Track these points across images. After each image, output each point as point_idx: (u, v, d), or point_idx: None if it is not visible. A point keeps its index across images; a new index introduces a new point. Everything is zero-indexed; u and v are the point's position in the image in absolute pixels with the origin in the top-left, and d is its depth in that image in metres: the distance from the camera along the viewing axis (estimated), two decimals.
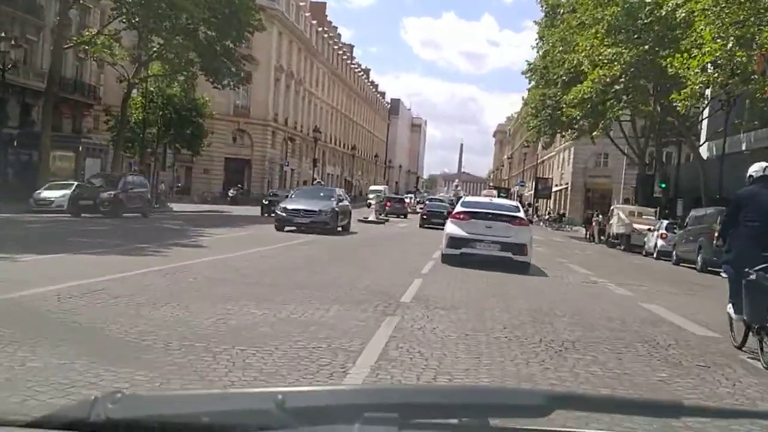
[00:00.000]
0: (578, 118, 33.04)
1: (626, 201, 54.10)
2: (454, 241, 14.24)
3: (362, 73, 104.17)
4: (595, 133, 34.27)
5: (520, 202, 67.14)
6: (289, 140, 58.07)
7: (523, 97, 42.96)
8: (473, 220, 14.31)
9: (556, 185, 60.70)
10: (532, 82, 41.75)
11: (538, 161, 61.41)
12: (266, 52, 57.48)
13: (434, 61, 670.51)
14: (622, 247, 30.14)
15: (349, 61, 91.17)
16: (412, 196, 72.54)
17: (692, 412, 1.39)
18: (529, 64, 40.46)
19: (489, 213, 14.59)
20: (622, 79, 28.87)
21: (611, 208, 34.53)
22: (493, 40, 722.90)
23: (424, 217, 35.05)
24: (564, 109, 33.79)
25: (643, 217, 31.74)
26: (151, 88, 40.83)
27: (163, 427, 1.08)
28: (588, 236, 37.95)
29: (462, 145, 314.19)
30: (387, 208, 46.61)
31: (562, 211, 55.37)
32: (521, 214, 15.53)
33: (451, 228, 14.52)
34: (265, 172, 56.85)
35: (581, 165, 56.34)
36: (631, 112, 32.49)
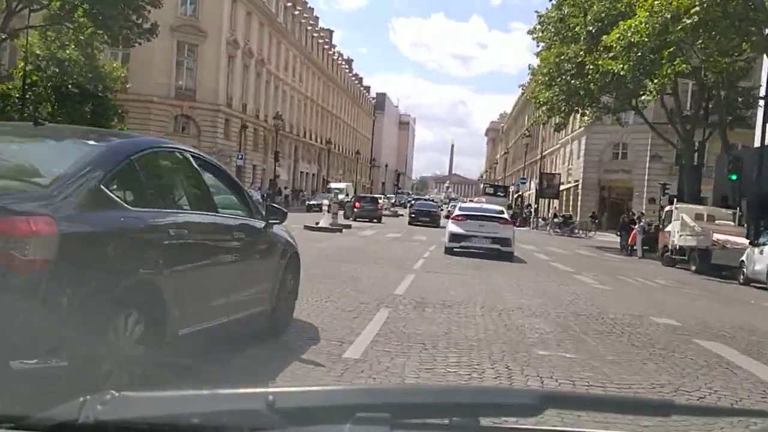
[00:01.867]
0: (621, 72, 21.89)
1: (651, 201, 43.30)
2: (454, 237, 17.62)
3: (344, 63, 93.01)
4: (644, 97, 23.19)
5: (521, 201, 56.20)
6: (244, 128, 46.82)
7: (529, 66, 31.93)
8: (469, 220, 17.91)
9: (562, 183, 49.72)
10: (541, 45, 30.70)
11: (543, 154, 50.27)
12: (216, 23, 46.47)
13: (424, 62, 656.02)
14: (693, 268, 19.17)
15: (328, 48, 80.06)
16: (392, 196, 61.03)
17: (683, 411, 1.31)
18: (540, 17, 29.47)
19: (481, 215, 18.49)
20: (697, 8, 17.91)
21: (667, 209, 23.45)
22: (482, 41, 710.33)
23: (412, 215, 36.18)
24: (600, 63, 22.82)
25: (717, 222, 20.84)
26: (38, 51, 29.81)
27: (152, 428, 1.05)
28: (627, 248, 26.78)
29: (453, 146, 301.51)
30: (356, 209, 35.70)
31: (567, 213, 44.28)
32: (506, 216, 19.39)
33: (452, 227, 18.07)
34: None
35: (594, 157, 45.47)
36: (700, 64, 21.34)
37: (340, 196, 29.10)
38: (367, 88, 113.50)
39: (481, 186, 55.15)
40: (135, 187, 3.89)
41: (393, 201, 60.12)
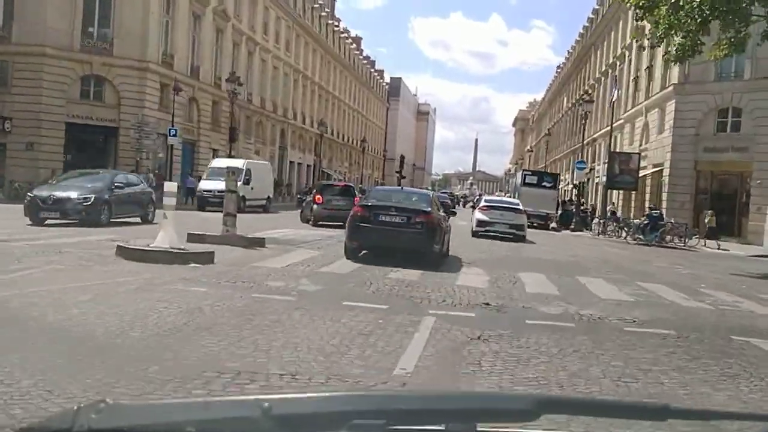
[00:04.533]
0: None
1: None
2: (480, 223, 21.28)
3: (351, 41, 78.18)
4: None
5: (578, 194, 39.79)
6: (176, 92, 31.98)
7: None
8: (492, 210, 21.75)
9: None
10: None
11: (613, 123, 33.88)
12: None
13: (444, 61, 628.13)
14: None
15: (326, 17, 65.20)
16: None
17: (679, 415, 1.28)
18: None
19: (501, 206, 22.47)
20: None
21: None
22: (502, 39, 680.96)
23: None
24: None
25: None
26: None
27: None
28: None
29: (477, 139, 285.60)
30: (317, 205, 20.97)
31: (655, 210, 28.59)
32: (521, 207, 22.75)
33: (479, 215, 21.84)
34: (142, 147, 31.13)
35: (688, 130, 30.09)
36: None
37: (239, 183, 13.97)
38: (380, 72, 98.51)
39: (519, 174, 39.46)
40: (436, 205, 13.14)
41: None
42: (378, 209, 11.67)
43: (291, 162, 55.77)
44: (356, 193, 21.87)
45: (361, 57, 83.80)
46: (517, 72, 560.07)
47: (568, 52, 73.63)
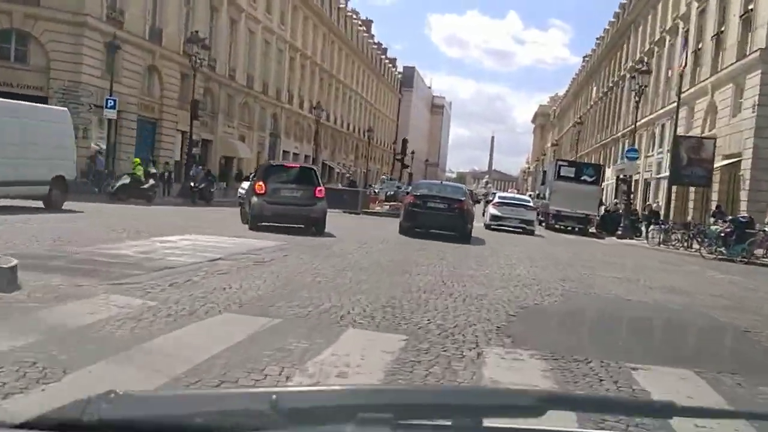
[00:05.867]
0: None
1: None
2: (494, 218, 22.70)
3: (359, 22, 70.74)
4: None
5: (627, 191, 30.13)
6: (114, 49, 24.75)
7: None
8: (504, 206, 23.18)
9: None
10: None
11: (681, 95, 25.65)
12: None
13: (460, 59, 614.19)
14: None
15: None
16: (385, 178, 36.44)
17: (685, 413, 1.27)
18: None
19: (513, 202, 24.03)
20: None
21: None
22: (519, 38, 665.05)
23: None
24: None
25: None
26: None
27: (156, 427, 1.02)
28: None
29: (493, 137, 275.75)
30: (260, 197, 13.51)
31: (743, 214, 20.89)
32: (531, 204, 24.59)
33: (492, 210, 23.31)
34: (78, 121, 24.03)
35: None
36: None
37: None
38: (393, 61, 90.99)
39: (550, 166, 31.78)
40: (467, 195, 17.37)
41: (378, 190, 37.91)
42: (427, 198, 15.93)
43: (285, 152, 48.50)
44: (319, 180, 14.46)
45: (371, 41, 76.34)
46: (533, 70, 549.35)
47: (599, 37, 65.83)
